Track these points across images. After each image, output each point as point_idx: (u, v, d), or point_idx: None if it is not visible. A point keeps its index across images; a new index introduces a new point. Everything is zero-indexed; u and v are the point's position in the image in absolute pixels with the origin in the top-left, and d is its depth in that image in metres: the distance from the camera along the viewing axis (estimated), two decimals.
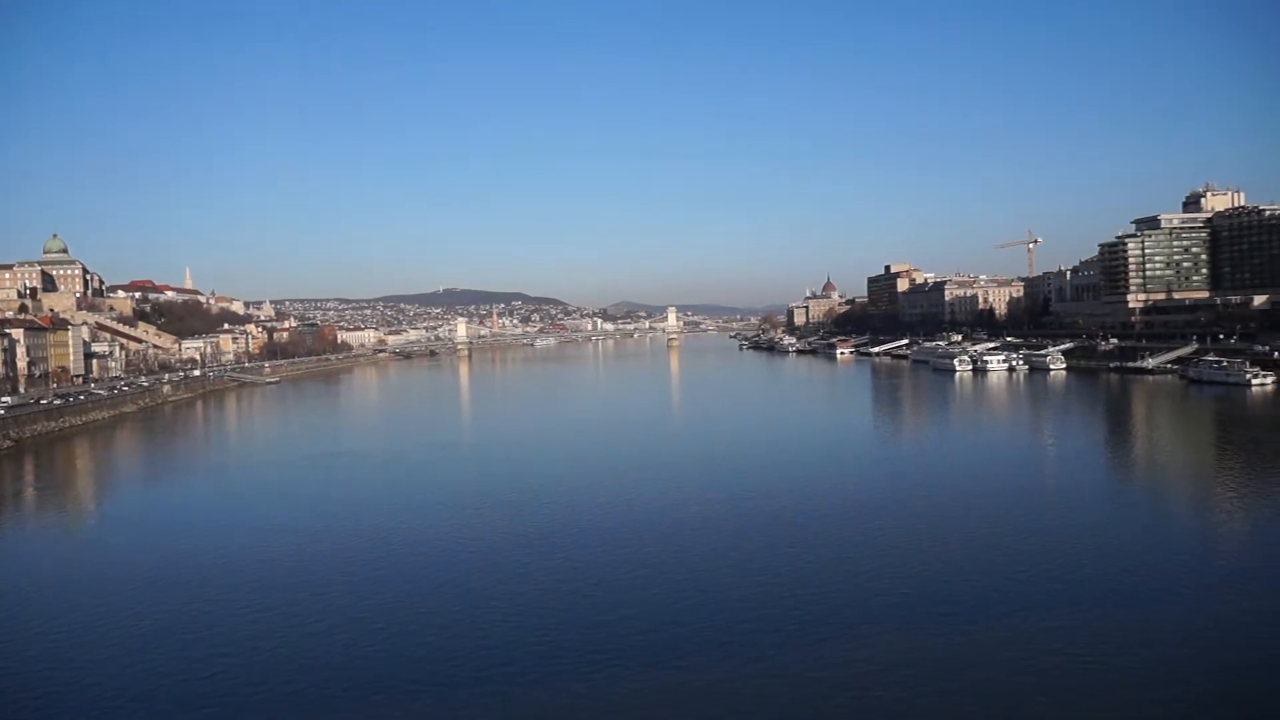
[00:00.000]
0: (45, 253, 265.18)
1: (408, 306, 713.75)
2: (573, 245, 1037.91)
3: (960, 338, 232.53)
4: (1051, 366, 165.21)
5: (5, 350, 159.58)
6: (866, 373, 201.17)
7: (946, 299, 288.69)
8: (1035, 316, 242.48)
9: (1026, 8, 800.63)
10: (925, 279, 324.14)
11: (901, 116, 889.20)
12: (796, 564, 44.42)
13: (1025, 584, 40.01)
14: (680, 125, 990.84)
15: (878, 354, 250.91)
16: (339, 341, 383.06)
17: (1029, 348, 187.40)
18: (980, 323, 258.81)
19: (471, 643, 35.43)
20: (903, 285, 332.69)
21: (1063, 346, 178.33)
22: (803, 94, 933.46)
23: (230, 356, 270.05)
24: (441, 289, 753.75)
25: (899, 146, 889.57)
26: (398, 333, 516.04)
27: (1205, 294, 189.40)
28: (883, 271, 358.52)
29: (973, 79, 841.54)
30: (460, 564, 46.89)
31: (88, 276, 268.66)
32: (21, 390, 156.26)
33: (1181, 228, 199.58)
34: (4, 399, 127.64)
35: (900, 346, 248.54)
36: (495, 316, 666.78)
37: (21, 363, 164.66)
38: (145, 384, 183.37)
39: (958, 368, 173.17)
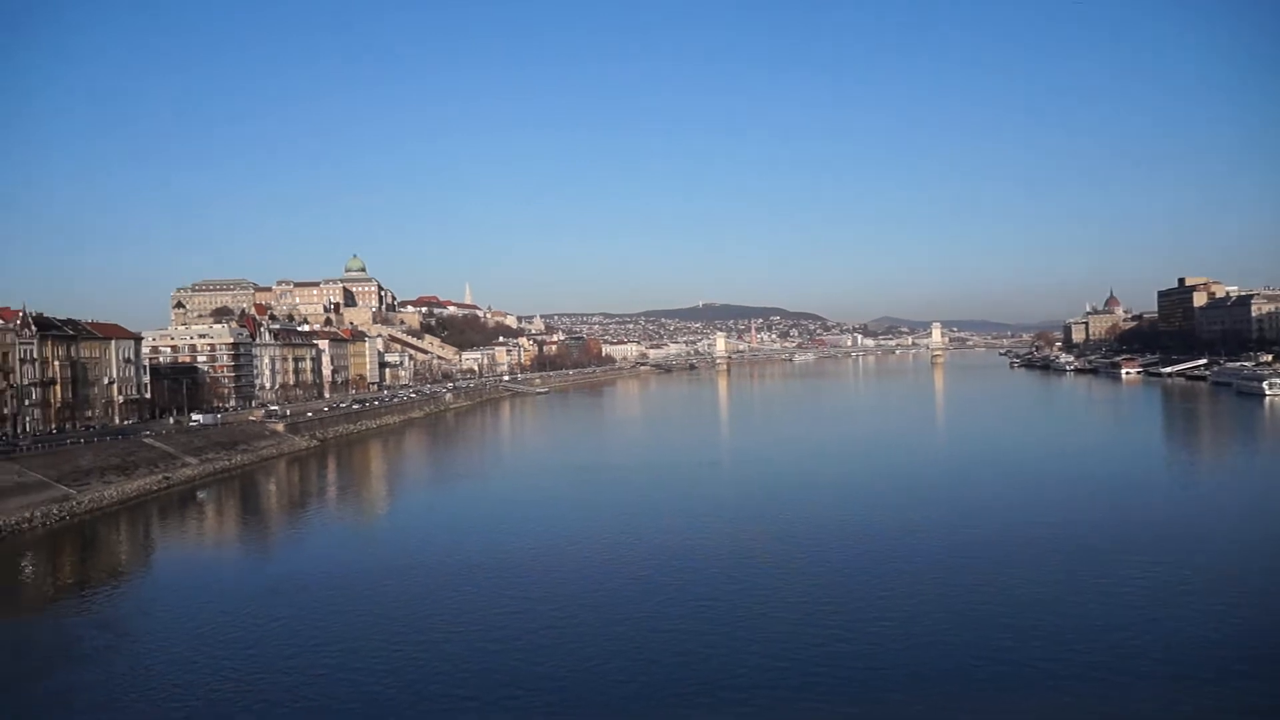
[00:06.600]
0: (346, 271, 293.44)
1: (668, 321, 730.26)
2: (832, 259, 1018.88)
3: (1271, 358, 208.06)
4: None
5: (313, 359, 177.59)
6: (1157, 395, 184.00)
7: (1253, 314, 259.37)
8: None
9: None
10: (1227, 292, 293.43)
11: (1205, 120, 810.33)
12: (1065, 608, 40.87)
13: None
14: (949, 135, 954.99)
15: (1170, 374, 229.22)
16: (603, 355, 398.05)
17: None
18: None
19: (728, 660, 35.01)
20: (1200, 299, 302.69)
21: None
22: (1104, 95, 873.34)
23: (504, 367, 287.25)
24: (701, 304, 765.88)
25: (1195, 150, 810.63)
26: (658, 346, 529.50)
27: None
28: (1176, 284, 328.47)
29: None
30: (717, 584, 46.56)
31: (382, 293, 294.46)
32: (326, 395, 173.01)
33: None
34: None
35: (1197, 367, 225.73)
36: (753, 331, 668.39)
37: (326, 370, 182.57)
38: (430, 392, 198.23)
39: (1267, 391, 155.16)
